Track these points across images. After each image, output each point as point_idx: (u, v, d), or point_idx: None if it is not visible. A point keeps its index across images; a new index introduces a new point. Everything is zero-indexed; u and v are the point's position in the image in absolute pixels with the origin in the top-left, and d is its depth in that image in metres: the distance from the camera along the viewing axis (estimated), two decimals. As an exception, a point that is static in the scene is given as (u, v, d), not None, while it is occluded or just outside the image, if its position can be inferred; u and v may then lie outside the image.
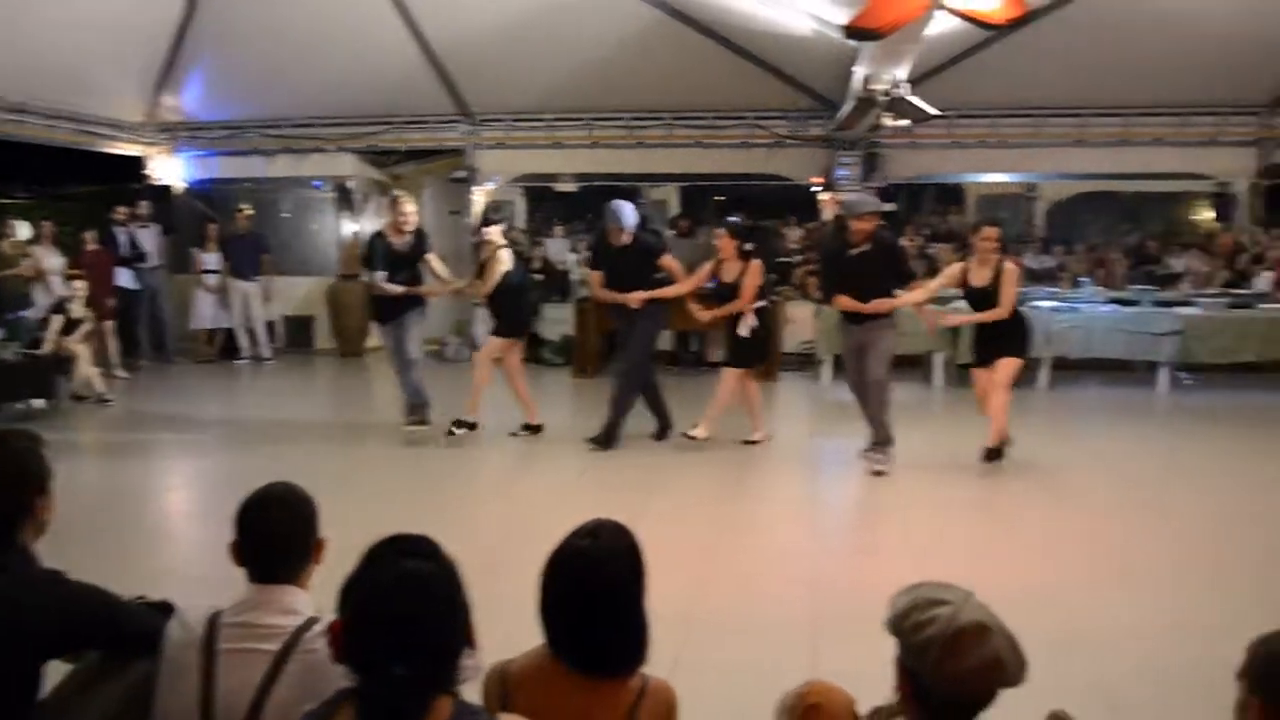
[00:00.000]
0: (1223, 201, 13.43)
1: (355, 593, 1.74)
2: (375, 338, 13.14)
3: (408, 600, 1.70)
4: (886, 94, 8.59)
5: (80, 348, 9.15)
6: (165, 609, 2.33)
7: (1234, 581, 4.65)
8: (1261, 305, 10.22)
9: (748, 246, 7.31)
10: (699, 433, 7.18)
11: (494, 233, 7.53)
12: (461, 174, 12.80)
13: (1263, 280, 11.16)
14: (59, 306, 9.26)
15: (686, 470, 6.78)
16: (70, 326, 9.20)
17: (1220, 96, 11.25)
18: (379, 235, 7.52)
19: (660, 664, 3.27)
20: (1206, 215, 15.87)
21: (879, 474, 6.41)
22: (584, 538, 2.10)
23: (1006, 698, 1.78)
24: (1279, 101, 11.25)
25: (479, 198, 13.25)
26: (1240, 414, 9.03)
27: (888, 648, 1.87)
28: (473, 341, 12.90)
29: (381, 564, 1.76)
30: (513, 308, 7.62)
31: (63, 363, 8.98)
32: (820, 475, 6.52)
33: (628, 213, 7.30)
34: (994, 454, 6.58)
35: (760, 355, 7.63)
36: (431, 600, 1.72)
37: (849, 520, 5.59)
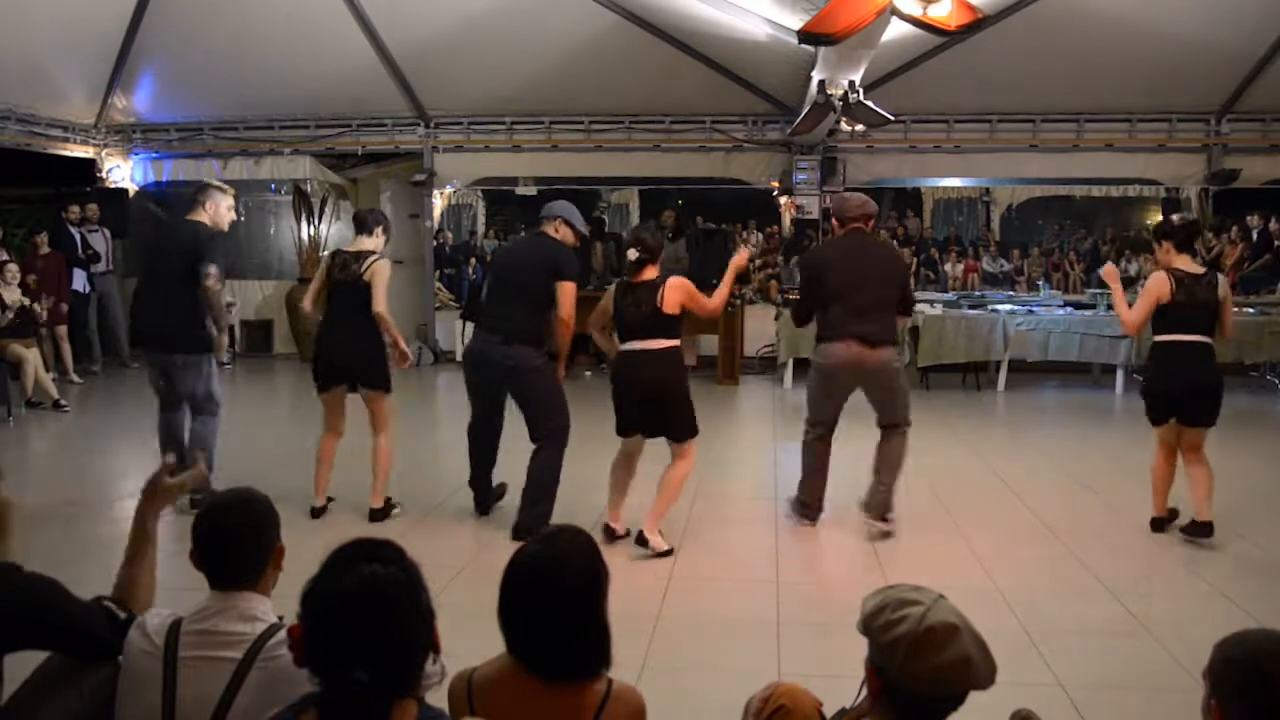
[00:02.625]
0: (1173, 207, 13.68)
1: (314, 598, 1.73)
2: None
3: (366, 606, 1.69)
4: (842, 99, 8.66)
5: (29, 352, 8.98)
6: (125, 610, 2.31)
7: (1192, 582, 4.74)
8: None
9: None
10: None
11: (368, 242, 5.78)
12: (420, 177, 12.73)
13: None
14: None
15: (648, 474, 6.78)
16: (16, 330, 9.03)
17: (1170, 104, 11.46)
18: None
19: (628, 666, 3.29)
20: (1157, 220, 16.15)
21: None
22: (540, 543, 2.11)
23: (973, 697, 1.80)
24: (1227, 109, 11.47)
25: (438, 201, 13.20)
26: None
27: (853, 649, 1.88)
28: (435, 346, 12.85)
29: (341, 569, 1.74)
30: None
31: (11, 368, 8.82)
32: (784, 479, 6.53)
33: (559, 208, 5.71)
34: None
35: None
36: (391, 606, 1.70)
37: (815, 523, 5.62)
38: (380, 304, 5.58)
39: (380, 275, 5.65)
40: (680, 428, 5.11)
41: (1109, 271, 5.77)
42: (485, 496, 5.77)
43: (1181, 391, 5.23)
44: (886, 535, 5.32)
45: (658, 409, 5.03)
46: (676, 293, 4.96)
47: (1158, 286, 5.24)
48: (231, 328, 11.84)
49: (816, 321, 5.45)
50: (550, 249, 5.47)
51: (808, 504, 5.59)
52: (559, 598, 2.00)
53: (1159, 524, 5.45)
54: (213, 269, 5.58)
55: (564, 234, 5.55)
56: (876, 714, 1.84)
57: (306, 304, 6.01)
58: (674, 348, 5.04)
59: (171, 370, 5.73)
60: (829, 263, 5.45)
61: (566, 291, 5.35)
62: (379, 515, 5.65)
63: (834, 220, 5.73)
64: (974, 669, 1.76)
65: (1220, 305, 5.20)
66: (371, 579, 1.71)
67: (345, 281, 5.63)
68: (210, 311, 5.67)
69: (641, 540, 5.03)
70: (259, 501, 2.29)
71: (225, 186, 5.94)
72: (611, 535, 5.14)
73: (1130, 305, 5.40)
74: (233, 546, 2.20)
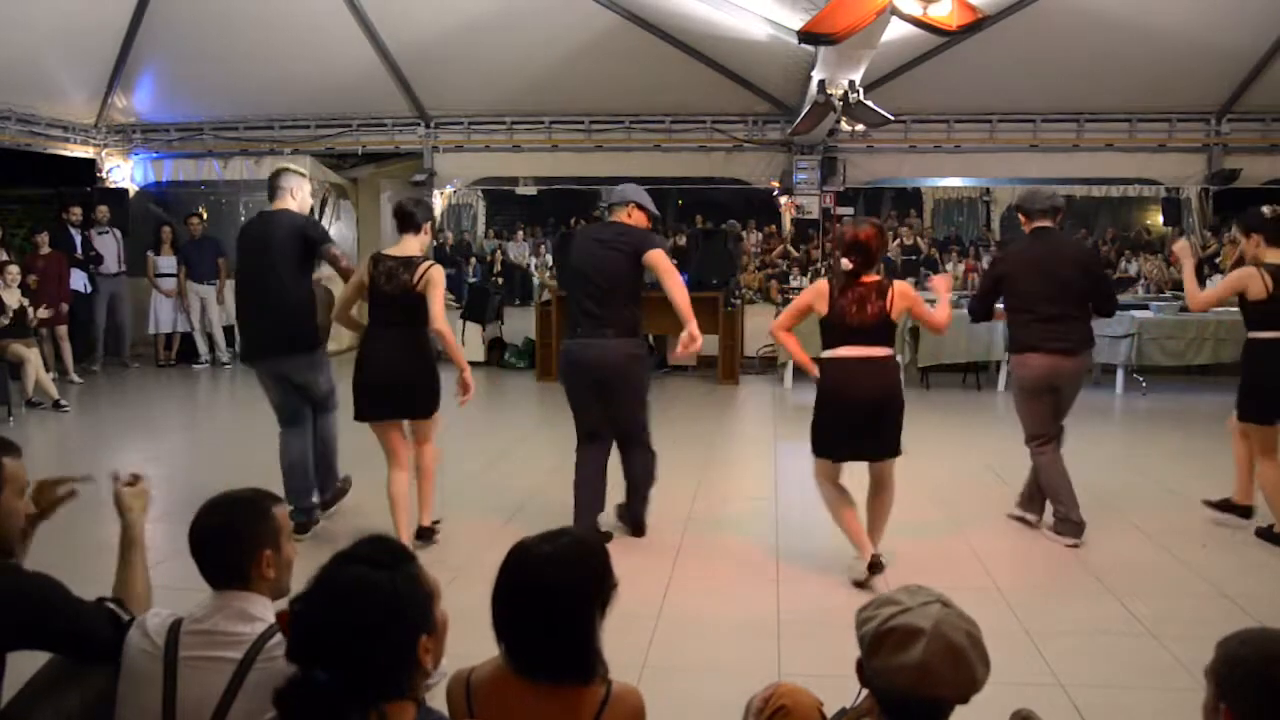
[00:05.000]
0: (1173, 206, 13.69)
1: (311, 586, 1.73)
2: (335, 342, 13.13)
3: (345, 606, 1.68)
4: (842, 99, 8.67)
5: (29, 352, 8.98)
6: (127, 613, 2.31)
7: (1192, 582, 4.73)
8: (1213, 309, 10.39)
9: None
10: None
11: (414, 243, 5.05)
12: (420, 177, 12.73)
13: (1214, 283, 11.38)
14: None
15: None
16: (16, 331, 9.03)
17: (1170, 104, 11.46)
18: None
19: (628, 666, 3.28)
20: (1157, 220, 16.16)
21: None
22: (545, 539, 2.09)
23: (975, 697, 1.80)
24: (1227, 109, 11.47)
25: (438, 201, 13.20)
26: (1194, 416, 9.18)
27: (854, 649, 1.88)
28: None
29: (339, 565, 1.74)
30: None
31: (12, 368, 8.82)
32: (784, 478, 6.54)
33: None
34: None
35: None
36: (369, 611, 1.68)
37: (814, 522, 5.61)
38: (441, 319, 4.85)
39: (437, 285, 4.86)
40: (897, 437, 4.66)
41: (1182, 247, 5.61)
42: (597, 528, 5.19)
43: None
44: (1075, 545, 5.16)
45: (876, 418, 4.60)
46: (903, 299, 4.48)
47: (1246, 280, 5.05)
48: (230, 327, 11.77)
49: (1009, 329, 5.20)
50: (630, 234, 5.03)
51: (1073, 520, 5.20)
52: (543, 593, 1.98)
53: None
54: (333, 248, 5.18)
55: (638, 219, 5.13)
56: (876, 713, 1.85)
57: (342, 316, 5.30)
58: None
59: (295, 373, 5.29)
60: (1017, 266, 5.23)
61: (660, 257, 4.94)
62: (427, 534, 5.08)
63: (1020, 215, 5.41)
64: (932, 676, 1.76)
65: None
66: (357, 581, 1.70)
67: (393, 294, 4.87)
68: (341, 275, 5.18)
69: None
70: (244, 503, 2.28)
71: (302, 170, 5.48)
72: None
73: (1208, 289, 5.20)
74: (212, 547, 2.20)
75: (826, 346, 4.56)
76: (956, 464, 7.05)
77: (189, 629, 2.14)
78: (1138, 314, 9.98)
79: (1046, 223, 5.22)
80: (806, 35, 7.00)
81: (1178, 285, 11.34)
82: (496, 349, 12.07)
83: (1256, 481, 5.29)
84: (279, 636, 2.04)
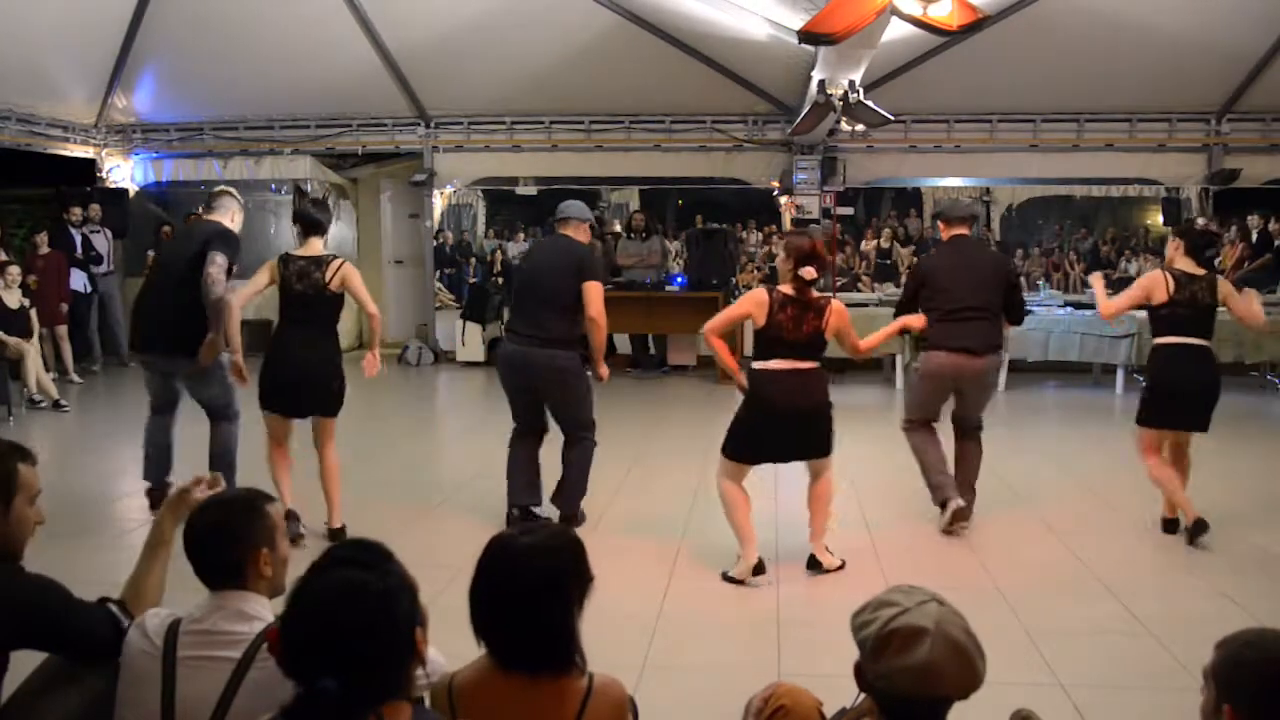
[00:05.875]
0: (1173, 206, 13.69)
1: (295, 600, 1.72)
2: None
3: (337, 611, 1.67)
4: (842, 99, 8.66)
5: (29, 352, 8.98)
6: (129, 616, 2.31)
7: (1192, 582, 4.73)
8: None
9: None
10: None
11: (320, 244, 5.27)
12: (420, 177, 12.73)
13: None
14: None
15: (649, 473, 6.78)
16: (16, 330, 9.04)
17: (1170, 103, 11.46)
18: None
19: (628, 666, 3.29)
20: (1157, 220, 16.14)
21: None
22: (523, 531, 2.11)
23: (974, 696, 1.80)
24: (1227, 109, 11.47)
25: (438, 201, 13.21)
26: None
27: (853, 649, 1.88)
28: (436, 346, 12.84)
29: (323, 572, 1.73)
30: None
31: (12, 367, 8.82)
32: (784, 478, 6.53)
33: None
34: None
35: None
36: (364, 612, 1.68)
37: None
38: (371, 304, 5.28)
39: (355, 278, 5.21)
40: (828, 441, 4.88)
41: (1095, 276, 5.90)
42: (529, 514, 5.45)
43: (1186, 395, 5.22)
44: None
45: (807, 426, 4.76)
46: (838, 318, 4.68)
47: (1151, 286, 5.26)
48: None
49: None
50: (574, 251, 5.40)
51: (942, 496, 5.47)
52: (522, 583, 1.99)
53: (1200, 527, 5.13)
54: (219, 257, 5.27)
55: (582, 234, 5.51)
56: (875, 714, 1.84)
57: (235, 307, 5.32)
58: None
59: (179, 375, 5.55)
60: (935, 269, 5.49)
61: (594, 291, 5.28)
62: (338, 536, 5.17)
63: (940, 222, 5.75)
64: (936, 675, 1.75)
65: (1222, 305, 5.19)
66: (347, 584, 1.70)
67: (305, 292, 5.11)
68: (205, 297, 5.25)
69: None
70: (239, 502, 2.28)
71: (239, 198, 5.77)
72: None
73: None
74: (209, 546, 2.20)
75: (759, 357, 4.69)
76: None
77: (188, 629, 2.14)
78: (1138, 314, 9.97)
79: (964, 230, 5.54)
80: (806, 35, 6.99)
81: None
82: (496, 349, 12.05)
83: (1149, 476, 5.39)
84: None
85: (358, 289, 5.21)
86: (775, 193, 12.66)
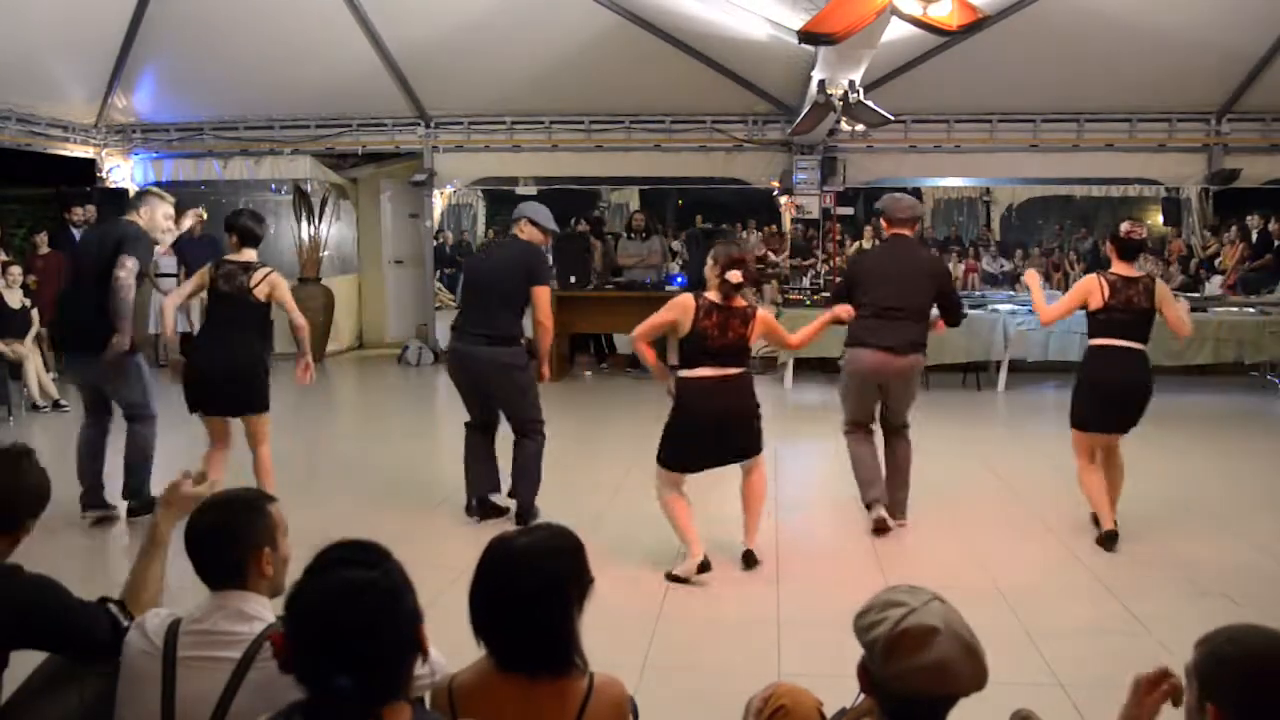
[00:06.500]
0: (1173, 206, 13.69)
1: (296, 603, 1.72)
2: (336, 341, 13.16)
3: (347, 611, 1.67)
4: (842, 99, 8.66)
5: (29, 353, 8.98)
6: (129, 616, 2.31)
7: (1191, 581, 4.73)
8: (1214, 309, 10.44)
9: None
10: None
11: (252, 252, 5.41)
12: (420, 177, 12.73)
13: (1214, 284, 11.41)
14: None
15: (648, 474, 6.78)
16: (16, 330, 9.03)
17: (1170, 104, 11.46)
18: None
19: (628, 666, 3.29)
20: (1157, 220, 16.16)
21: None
22: (523, 532, 2.13)
23: (974, 696, 1.80)
24: (1227, 109, 11.47)
25: (438, 201, 13.21)
26: (1195, 416, 9.19)
27: (853, 649, 1.88)
28: (435, 346, 12.84)
29: (322, 574, 1.73)
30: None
31: (12, 368, 8.82)
32: (784, 478, 6.54)
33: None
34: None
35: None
36: (373, 611, 1.68)
37: (814, 521, 5.62)
38: (298, 313, 5.42)
39: (282, 289, 5.40)
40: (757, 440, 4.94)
41: (1030, 275, 5.95)
42: (486, 502, 5.69)
43: (1120, 399, 5.26)
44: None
45: (737, 430, 4.84)
46: (762, 325, 4.77)
47: (1088, 289, 5.28)
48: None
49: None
50: (523, 253, 5.52)
51: (870, 500, 5.54)
52: (522, 584, 1.99)
53: (1112, 538, 5.18)
54: (129, 261, 5.34)
55: (531, 234, 5.58)
56: (876, 714, 1.84)
57: (170, 308, 5.57)
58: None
59: (90, 372, 5.57)
60: (867, 269, 5.54)
61: (542, 296, 5.46)
62: None
63: (883, 220, 5.74)
64: (951, 672, 1.75)
65: (1159, 310, 5.19)
66: (352, 584, 1.70)
67: (230, 294, 5.29)
68: (111, 300, 5.33)
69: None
70: (241, 502, 2.28)
71: (166, 195, 5.78)
72: None
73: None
74: (210, 546, 2.20)
75: (685, 365, 4.73)
76: (956, 464, 7.04)
77: (187, 629, 2.14)
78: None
79: (905, 231, 5.53)
80: (806, 35, 6.99)
81: (1177, 286, 11.35)
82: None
83: (1079, 479, 5.43)
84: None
85: (284, 299, 5.38)
86: (775, 193, 12.67)
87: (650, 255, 11.65)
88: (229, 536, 2.19)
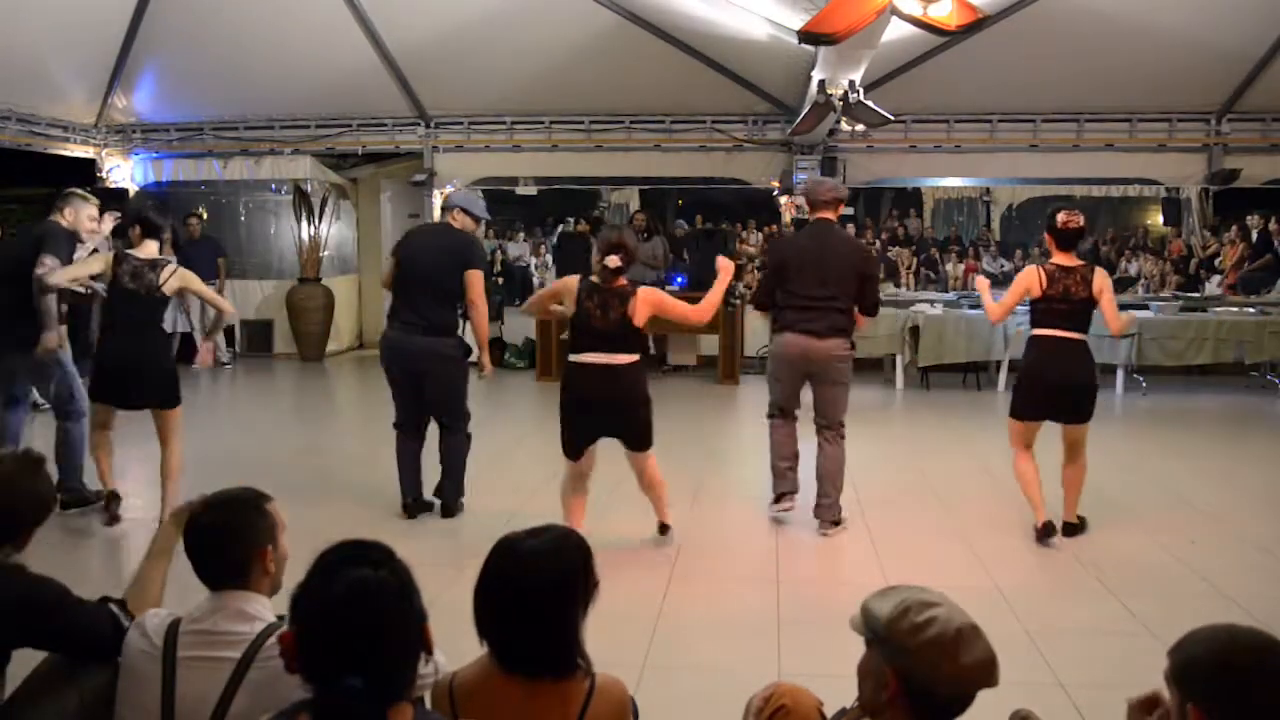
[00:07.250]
0: (1173, 206, 13.70)
1: (304, 604, 1.72)
2: (336, 341, 13.17)
3: (357, 611, 1.67)
4: (842, 98, 8.66)
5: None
6: (130, 616, 2.31)
7: (1191, 581, 4.74)
8: (1214, 309, 10.45)
9: None
10: None
11: (155, 246, 5.51)
12: (420, 177, 12.73)
13: (1213, 284, 11.41)
14: None
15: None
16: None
17: (1170, 104, 11.44)
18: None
19: (629, 666, 3.29)
20: (1157, 220, 16.16)
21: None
22: (530, 534, 2.11)
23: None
24: (1227, 109, 11.47)
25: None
26: (1194, 416, 9.20)
27: (853, 649, 1.88)
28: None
29: (330, 574, 1.73)
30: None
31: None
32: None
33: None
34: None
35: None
36: (381, 610, 1.69)
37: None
38: (225, 302, 5.63)
39: (194, 280, 5.51)
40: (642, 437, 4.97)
41: (981, 282, 6.00)
42: (419, 497, 5.79)
43: (1055, 388, 5.26)
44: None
45: (619, 421, 4.88)
46: (647, 305, 4.77)
47: (1027, 280, 5.31)
48: (230, 327, 11.70)
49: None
50: (459, 244, 5.61)
51: (780, 488, 5.67)
52: (528, 585, 1.99)
53: (1049, 530, 5.24)
54: (49, 259, 5.40)
55: (464, 222, 5.68)
56: (892, 715, 1.82)
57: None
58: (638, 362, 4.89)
59: (11, 365, 5.70)
60: (790, 254, 5.55)
61: (476, 279, 5.54)
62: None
63: (806, 204, 5.71)
64: (996, 667, 1.79)
65: (1096, 301, 5.19)
66: (361, 584, 1.70)
67: (137, 291, 5.33)
68: (35, 299, 5.45)
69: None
70: (241, 501, 2.29)
71: (90, 197, 5.86)
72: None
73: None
74: (211, 546, 2.20)
75: (573, 349, 4.83)
76: (956, 464, 7.05)
77: (188, 629, 2.14)
78: (1138, 314, 10.00)
79: (828, 214, 5.51)
80: (806, 35, 6.99)
81: (1178, 286, 11.36)
82: (496, 349, 12.06)
83: (1013, 469, 5.49)
84: (278, 634, 2.04)
85: (200, 290, 5.55)
86: (775, 193, 12.65)
87: (652, 256, 11.65)
88: (232, 536, 2.20)
